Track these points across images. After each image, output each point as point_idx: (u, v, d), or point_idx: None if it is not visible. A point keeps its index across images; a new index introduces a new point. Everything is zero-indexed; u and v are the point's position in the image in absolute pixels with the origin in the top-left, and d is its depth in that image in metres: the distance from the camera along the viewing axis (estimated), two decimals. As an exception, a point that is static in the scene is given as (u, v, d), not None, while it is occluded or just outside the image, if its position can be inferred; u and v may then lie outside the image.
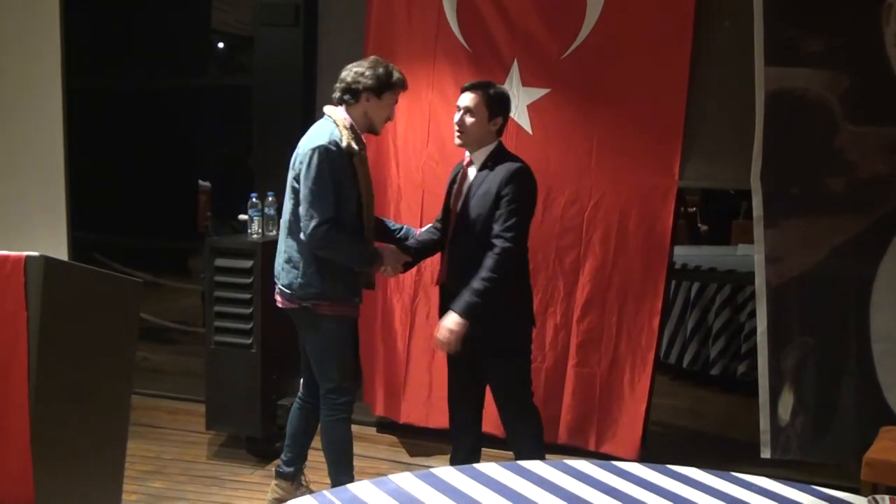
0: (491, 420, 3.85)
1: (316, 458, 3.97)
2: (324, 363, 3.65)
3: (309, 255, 3.51)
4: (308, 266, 3.52)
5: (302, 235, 3.48)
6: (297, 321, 3.68)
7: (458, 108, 3.57)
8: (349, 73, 3.55)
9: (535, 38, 4.38)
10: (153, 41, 7.16)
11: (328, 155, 3.41)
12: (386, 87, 3.52)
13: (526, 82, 4.40)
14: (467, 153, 3.65)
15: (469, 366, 3.66)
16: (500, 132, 3.62)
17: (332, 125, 3.51)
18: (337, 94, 3.58)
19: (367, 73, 3.50)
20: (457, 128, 3.56)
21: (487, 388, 3.72)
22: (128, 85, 6.72)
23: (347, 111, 3.56)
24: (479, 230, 3.49)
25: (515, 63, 4.42)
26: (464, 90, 3.59)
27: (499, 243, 3.42)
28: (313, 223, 3.40)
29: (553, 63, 4.36)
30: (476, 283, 3.39)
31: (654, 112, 4.23)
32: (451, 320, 3.41)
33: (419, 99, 4.57)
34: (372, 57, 3.63)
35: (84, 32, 5.79)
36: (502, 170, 3.50)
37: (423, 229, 3.91)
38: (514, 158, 3.59)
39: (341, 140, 3.45)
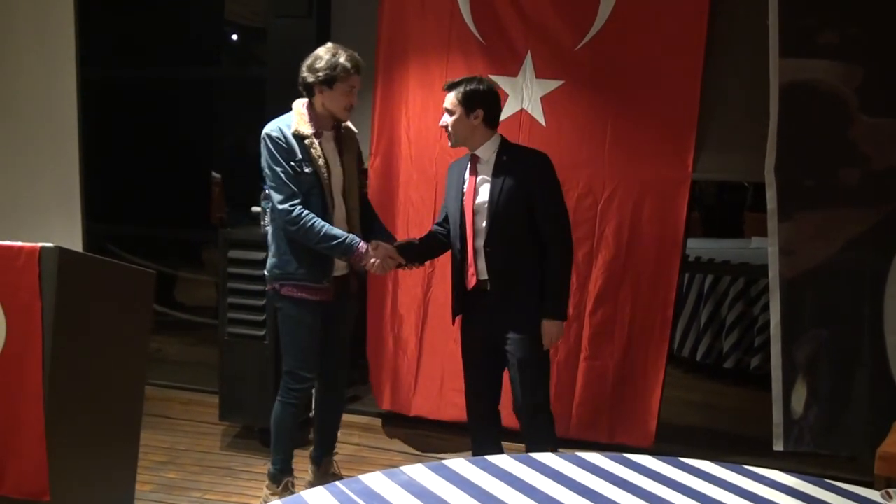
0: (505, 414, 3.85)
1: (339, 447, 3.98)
2: (285, 346, 3.79)
3: (280, 237, 3.65)
4: (278, 248, 3.67)
5: (277, 220, 3.63)
6: (269, 304, 3.80)
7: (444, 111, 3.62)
8: (304, 66, 3.65)
9: (549, 30, 4.37)
10: (168, 32, 7.17)
11: (270, 139, 3.59)
12: (332, 79, 3.58)
13: (539, 74, 4.39)
14: (470, 152, 3.64)
15: (490, 354, 3.67)
16: (490, 124, 3.59)
17: (288, 114, 3.67)
18: (299, 87, 3.70)
19: (317, 65, 3.59)
20: (444, 129, 3.63)
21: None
22: (142, 76, 6.73)
23: (310, 102, 3.68)
24: (515, 227, 3.53)
25: (529, 55, 4.41)
26: (444, 90, 3.64)
27: (556, 237, 3.56)
28: (278, 202, 3.56)
29: (567, 55, 4.34)
30: (556, 287, 3.56)
31: (668, 104, 4.22)
32: (552, 326, 3.54)
33: (433, 91, 4.56)
34: (326, 46, 3.66)
35: (98, 23, 5.80)
36: (522, 162, 3.55)
37: (428, 233, 3.91)
38: (525, 148, 3.65)
39: (289, 126, 3.60)
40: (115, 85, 6.54)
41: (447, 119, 3.58)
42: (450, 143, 3.65)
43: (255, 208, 4.59)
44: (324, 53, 3.61)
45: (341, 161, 3.73)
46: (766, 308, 5.33)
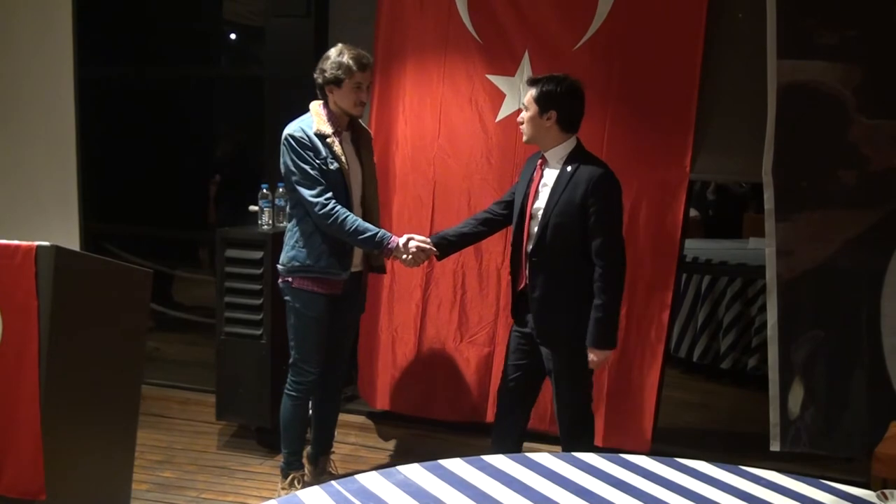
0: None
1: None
2: (291, 339, 3.86)
3: (301, 230, 3.74)
4: (297, 241, 3.76)
5: (312, 216, 3.67)
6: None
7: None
8: (317, 67, 3.76)
9: (547, 30, 4.36)
10: (165, 32, 7.16)
11: (294, 139, 3.67)
12: (339, 78, 3.69)
13: (537, 74, 4.38)
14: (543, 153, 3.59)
15: (530, 356, 3.65)
16: (565, 127, 3.50)
17: (307, 115, 3.77)
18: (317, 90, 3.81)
19: (324, 65, 3.72)
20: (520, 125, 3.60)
21: None
22: (139, 75, 6.72)
23: (325, 102, 3.79)
24: (564, 239, 3.45)
25: (526, 54, 4.40)
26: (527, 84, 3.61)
27: (604, 265, 3.41)
28: (310, 196, 3.63)
29: (564, 55, 4.34)
30: (598, 313, 3.41)
31: (666, 104, 4.21)
32: (597, 355, 3.45)
33: (430, 91, 4.56)
34: (336, 46, 3.77)
35: (96, 22, 5.79)
36: (584, 175, 3.41)
37: (469, 219, 3.87)
38: (593, 160, 3.52)
39: (310, 126, 3.70)
40: (112, 84, 6.53)
41: (524, 114, 3.54)
42: (524, 139, 3.60)
43: (253, 207, 4.59)
44: (332, 54, 3.72)
45: (359, 159, 3.87)
46: (763, 308, 5.33)
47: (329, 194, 3.63)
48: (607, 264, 3.41)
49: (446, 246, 3.80)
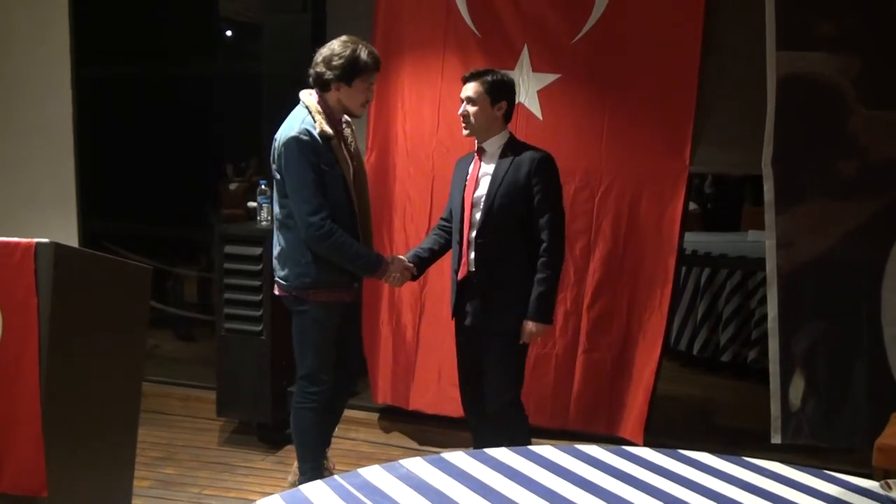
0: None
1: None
2: (303, 349, 3.65)
3: (303, 245, 3.48)
4: (302, 256, 3.50)
5: (301, 232, 3.45)
6: (288, 306, 3.68)
7: (461, 100, 3.59)
8: (318, 59, 3.48)
9: (545, 24, 4.36)
10: (162, 29, 7.14)
11: (300, 145, 3.38)
12: (353, 74, 3.45)
13: (536, 68, 4.38)
14: (476, 143, 3.65)
15: (479, 346, 3.67)
16: (507, 118, 3.62)
17: (304, 112, 3.48)
18: (310, 80, 3.54)
19: (334, 61, 3.43)
20: (462, 119, 3.60)
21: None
22: (136, 73, 6.71)
23: (322, 97, 3.53)
24: (508, 222, 3.53)
25: (525, 48, 4.40)
26: (464, 80, 3.61)
27: (549, 238, 3.52)
28: (305, 216, 3.39)
29: (563, 48, 4.33)
30: (543, 287, 3.52)
31: (665, 97, 4.21)
32: (536, 328, 3.54)
33: (429, 86, 4.56)
34: (342, 38, 3.50)
35: (93, 20, 5.78)
36: (526, 159, 3.54)
37: (430, 235, 3.91)
38: (531, 147, 3.62)
39: (314, 126, 3.42)
40: (110, 82, 6.52)
41: (470, 108, 3.55)
42: (464, 133, 3.62)
43: (252, 203, 4.58)
44: (341, 48, 3.45)
45: (350, 160, 3.62)
46: (763, 301, 5.33)
47: (326, 213, 3.39)
48: (553, 239, 3.53)
49: (419, 264, 3.79)
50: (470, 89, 3.56)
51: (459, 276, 3.64)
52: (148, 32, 6.99)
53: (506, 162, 3.55)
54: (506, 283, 3.57)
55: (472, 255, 3.59)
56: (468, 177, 3.63)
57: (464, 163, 3.73)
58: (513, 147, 3.60)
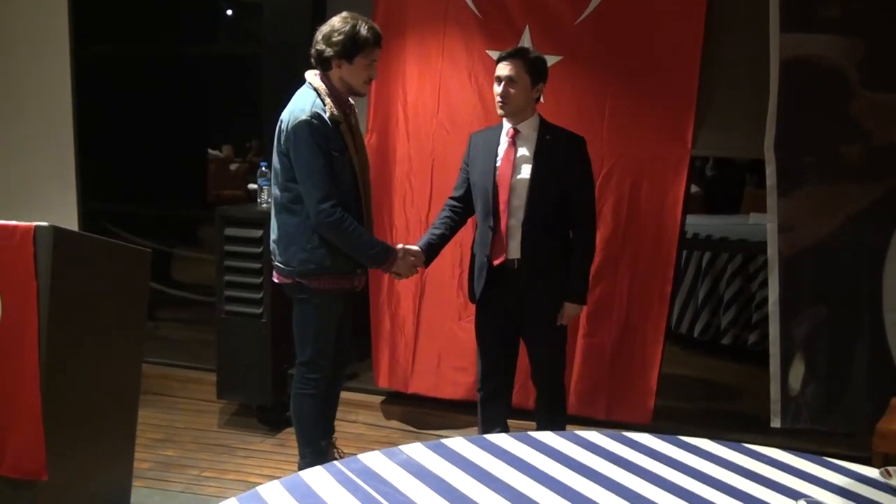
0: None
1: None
2: (304, 336, 3.60)
3: (310, 230, 3.41)
4: (308, 242, 3.42)
5: (311, 218, 3.38)
6: (290, 293, 3.61)
7: (499, 80, 3.48)
8: (318, 37, 3.40)
9: (548, 4, 4.33)
10: (162, 8, 7.10)
11: (312, 129, 3.30)
12: (354, 51, 3.36)
13: (538, 49, 4.34)
14: (506, 124, 3.57)
15: (508, 333, 3.66)
16: (538, 99, 3.61)
17: (313, 94, 3.40)
18: (312, 60, 3.46)
19: (334, 38, 3.34)
20: (499, 99, 3.49)
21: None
22: (137, 53, 6.67)
23: (326, 76, 3.45)
24: (552, 207, 3.50)
25: (527, 29, 4.37)
26: (501, 59, 3.51)
27: (587, 223, 3.57)
28: (316, 203, 3.32)
29: (566, 29, 4.30)
30: (584, 269, 3.59)
31: (668, 80, 4.18)
32: (575, 310, 3.60)
33: (430, 66, 4.53)
34: (342, 15, 3.41)
35: (92, 0, 5.74)
36: (563, 141, 3.52)
37: (440, 219, 3.78)
38: (565, 131, 3.59)
39: (324, 110, 3.35)
40: (109, 62, 6.49)
41: (510, 89, 3.46)
42: (499, 113, 3.53)
43: (252, 185, 4.57)
44: (341, 24, 3.36)
45: (354, 143, 3.51)
46: (763, 284, 5.33)
47: (335, 199, 3.31)
48: (592, 221, 3.59)
49: (430, 252, 3.70)
50: (510, 68, 3.45)
51: (495, 263, 3.55)
52: (148, 12, 6.95)
53: (546, 147, 3.49)
54: (551, 268, 3.54)
55: (514, 242, 3.51)
56: (499, 159, 3.54)
57: (484, 141, 3.62)
58: (548, 129, 3.54)
